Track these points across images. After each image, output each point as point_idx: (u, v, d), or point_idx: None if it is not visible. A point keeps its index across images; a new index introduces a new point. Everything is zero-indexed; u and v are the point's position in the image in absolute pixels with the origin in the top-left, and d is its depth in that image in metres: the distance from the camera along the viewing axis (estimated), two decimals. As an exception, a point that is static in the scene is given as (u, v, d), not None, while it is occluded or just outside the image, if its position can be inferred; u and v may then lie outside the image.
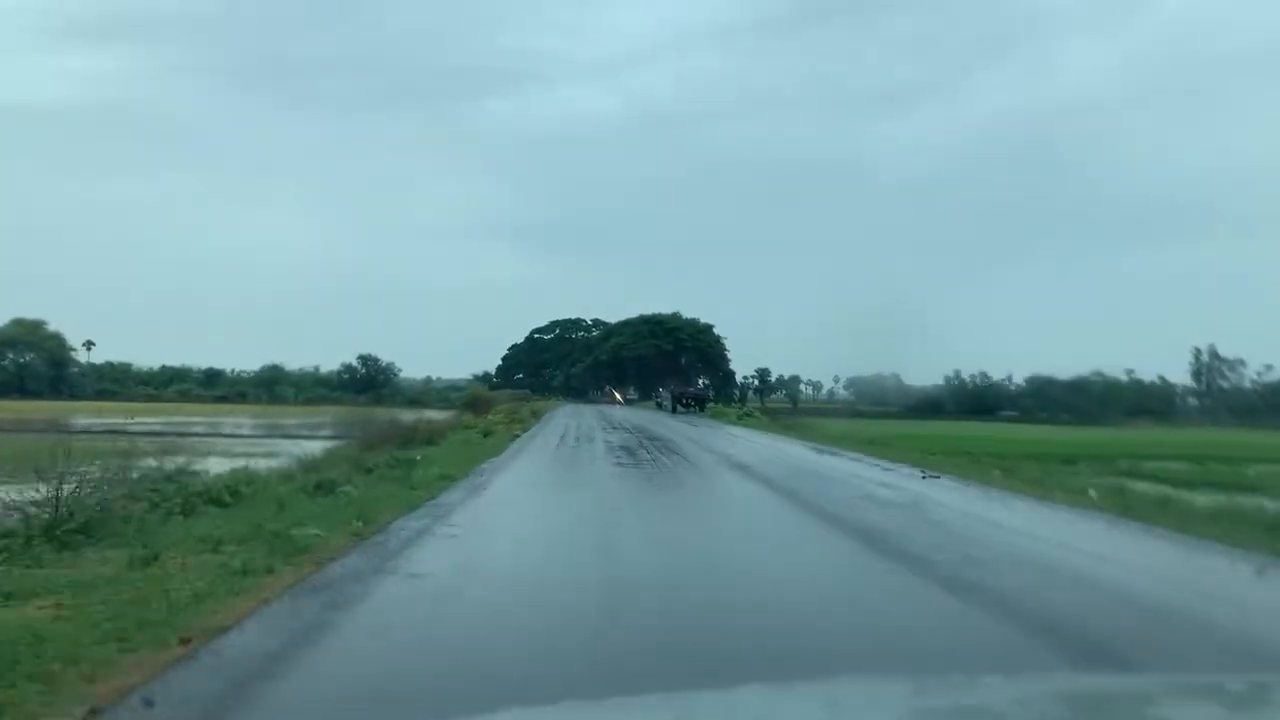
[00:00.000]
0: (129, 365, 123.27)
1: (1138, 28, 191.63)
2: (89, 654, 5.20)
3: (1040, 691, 2.17)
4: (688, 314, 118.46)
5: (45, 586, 6.78)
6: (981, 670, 4.84)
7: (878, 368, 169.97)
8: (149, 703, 4.59)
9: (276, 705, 4.76)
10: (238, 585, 7.03)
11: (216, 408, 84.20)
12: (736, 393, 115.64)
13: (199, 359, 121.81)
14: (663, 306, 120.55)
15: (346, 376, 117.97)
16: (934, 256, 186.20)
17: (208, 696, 4.79)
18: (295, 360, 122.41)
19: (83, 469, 10.32)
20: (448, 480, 15.87)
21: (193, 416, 63.04)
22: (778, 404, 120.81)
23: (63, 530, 8.51)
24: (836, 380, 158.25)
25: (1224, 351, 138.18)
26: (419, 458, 19.23)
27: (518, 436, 31.74)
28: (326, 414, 60.78)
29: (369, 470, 16.68)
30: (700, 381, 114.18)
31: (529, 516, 13.54)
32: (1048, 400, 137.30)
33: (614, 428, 38.68)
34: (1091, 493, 16.09)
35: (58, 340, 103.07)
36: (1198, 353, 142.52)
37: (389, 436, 24.26)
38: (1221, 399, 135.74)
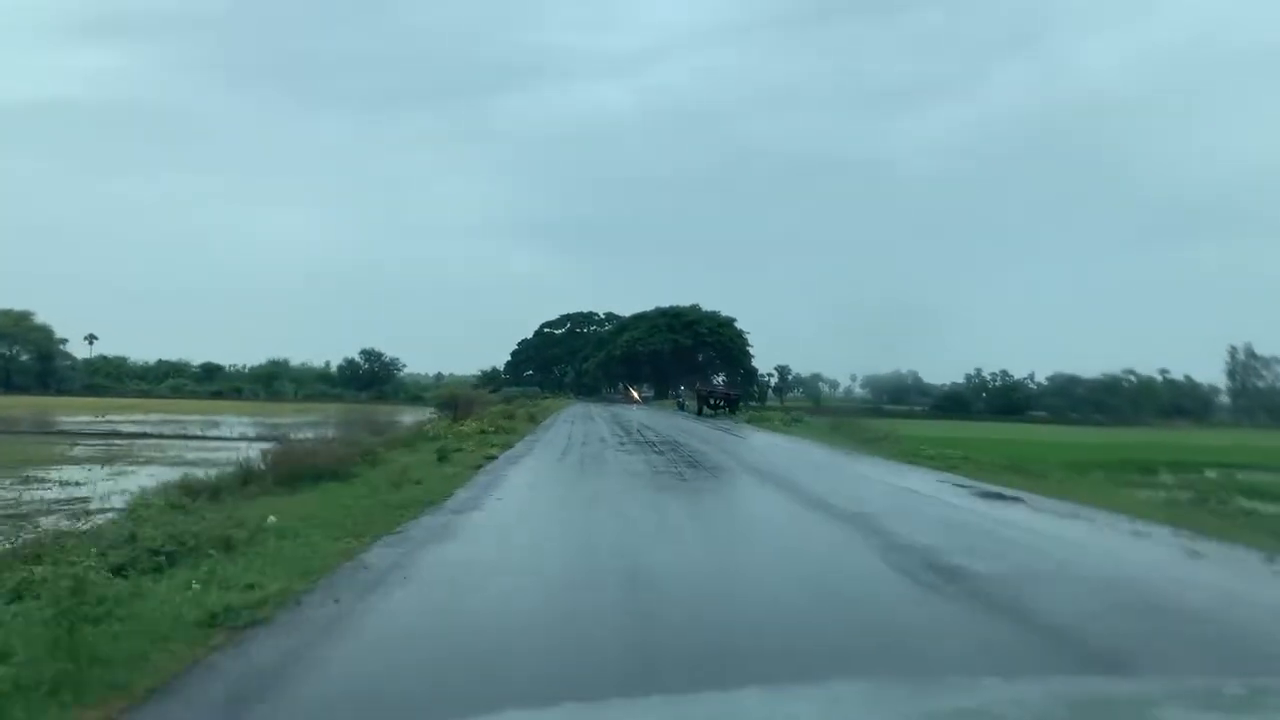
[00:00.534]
0: (124, 359, 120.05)
1: (1167, 21, 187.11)
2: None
3: (1039, 694, 2.13)
4: (704, 309, 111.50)
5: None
6: None
7: (895, 365, 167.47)
8: None
9: None
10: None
11: (208, 404, 79.43)
12: (756, 390, 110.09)
13: (208, 355, 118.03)
14: (678, 302, 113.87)
15: (349, 372, 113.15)
16: (951, 254, 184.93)
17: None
18: (308, 357, 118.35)
19: None
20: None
21: (175, 414, 58.17)
22: (796, 403, 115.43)
23: None
24: (854, 378, 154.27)
25: (1260, 350, 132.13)
26: (267, 520, 9.81)
27: (491, 460, 20.61)
28: (318, 412, 56.08)
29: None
30: (718, 379, 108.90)
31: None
32: (1075, 400, 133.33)
33: (636, 442, 28.86)
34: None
35: (45, 333, 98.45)
36: (1233, 351, 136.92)
37: (291, 458, 15.29)
38: (1257, 399, 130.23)
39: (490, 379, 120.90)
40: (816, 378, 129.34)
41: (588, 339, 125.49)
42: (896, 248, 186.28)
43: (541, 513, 13.43)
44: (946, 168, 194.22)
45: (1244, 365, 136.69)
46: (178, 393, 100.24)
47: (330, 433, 21.87)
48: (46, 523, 11.11)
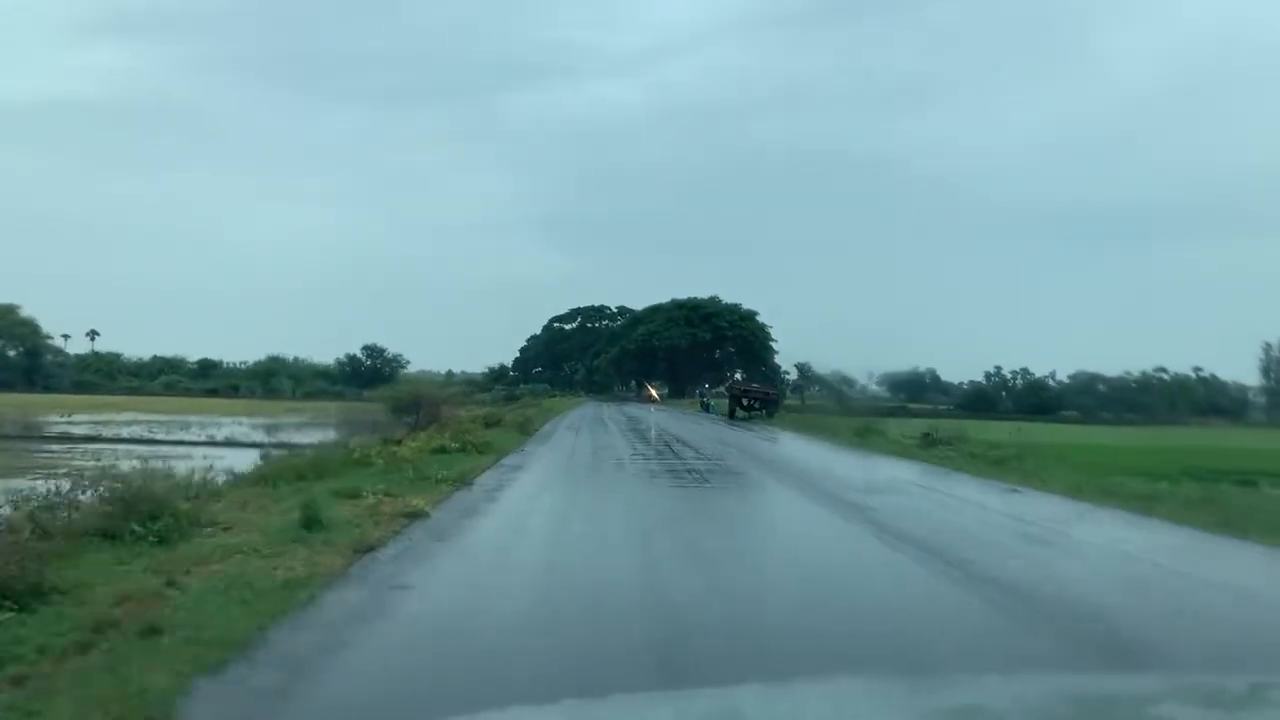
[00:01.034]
0: (119, 356, 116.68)
1: (1188, 18, 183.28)
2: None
3: (1042, 691, 2.13)
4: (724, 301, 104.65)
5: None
6: None
7: (912, 363, 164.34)
8: None
9: None
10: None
11: (199, 402, 75.05)
12: (782, 389, 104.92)
13: (217, 352, 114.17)
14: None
15: (350, 369, 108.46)
16: (964, 252, 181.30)
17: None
18: (315, 354, 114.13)
19: None
20: None
21: (154, 413, 53.62)
22: (817, 401, 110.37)
23: None
24: (870, 375, 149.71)
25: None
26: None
27: (414, 521, 10.96)
28: (310, 411, 51.77)
29: None
30: (733, 376, 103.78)
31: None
32: (1105, 399, 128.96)
33: (670, 463, 20.65)
34: None
35: (30, 327, 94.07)
36: (1268, 348, 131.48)
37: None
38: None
39: (498, 377, 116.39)
40: (840, 376, 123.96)
41: (599, 334, 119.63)
42: (910, 246, 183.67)
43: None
44: (958, 166, 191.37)
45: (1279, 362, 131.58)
46: (171, 390, 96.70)
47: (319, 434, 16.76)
48: None
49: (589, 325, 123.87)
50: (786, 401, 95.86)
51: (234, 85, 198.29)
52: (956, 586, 8.15)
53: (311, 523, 9.44)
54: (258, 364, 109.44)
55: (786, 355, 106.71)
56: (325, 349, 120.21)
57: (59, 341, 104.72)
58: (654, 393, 69.41)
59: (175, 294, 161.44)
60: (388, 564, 8.47)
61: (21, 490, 9.21)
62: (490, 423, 29.98)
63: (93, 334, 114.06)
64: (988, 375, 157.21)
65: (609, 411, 57.60)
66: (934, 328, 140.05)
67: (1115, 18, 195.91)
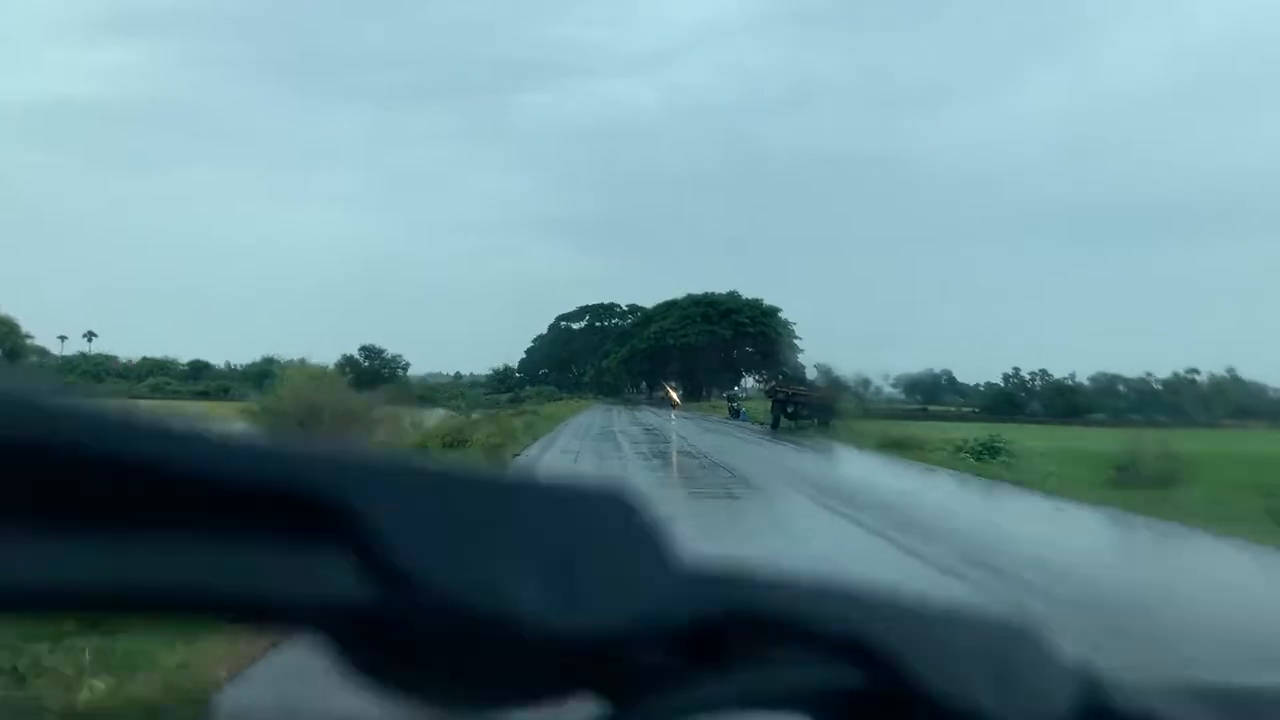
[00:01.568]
0: (109, 357, 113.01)
1: (1203, 14, 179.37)
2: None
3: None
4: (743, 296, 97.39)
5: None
6: None
7: (926, 364, 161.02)
8: None
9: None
10: None
11: (185, 406, 69.90)
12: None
13: (220, 355, 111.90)
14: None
15: (347, 370, 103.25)
16: (976, 252, 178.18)
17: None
18: (316, 356, 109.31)
19: None
20: None
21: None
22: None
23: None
24: (885, 377, 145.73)
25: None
26: None
27: None
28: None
29: None
30: (751, 379, 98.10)
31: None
32: (1132, 401, 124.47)
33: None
34: None
35: (9, 326, 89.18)
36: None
37: None
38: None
39: (503, 379, 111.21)
40: (862, 378, 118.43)
41: (608, 333, 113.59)
42: (919, 245, 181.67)
43: None
44: (972, 167, 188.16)
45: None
46: (158, 392, 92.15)
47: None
48: None
49: (598, 324, 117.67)
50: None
51: (239, 83, 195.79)
52: None
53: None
54: (251, 366, 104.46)
55: (806, 356, 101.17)
56: (331, 351, 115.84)
57: (47, 343, 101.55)
58: (675, 395, 57.16)
59: (180, 296, 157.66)
60: None
61: None
62: (452, 443, 21.42)
63: (90, 335, 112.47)
64: (1006, 377, 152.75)
65: (620, 420, 48.74)
66: (946, 328, 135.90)
67: (1136, 14, 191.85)
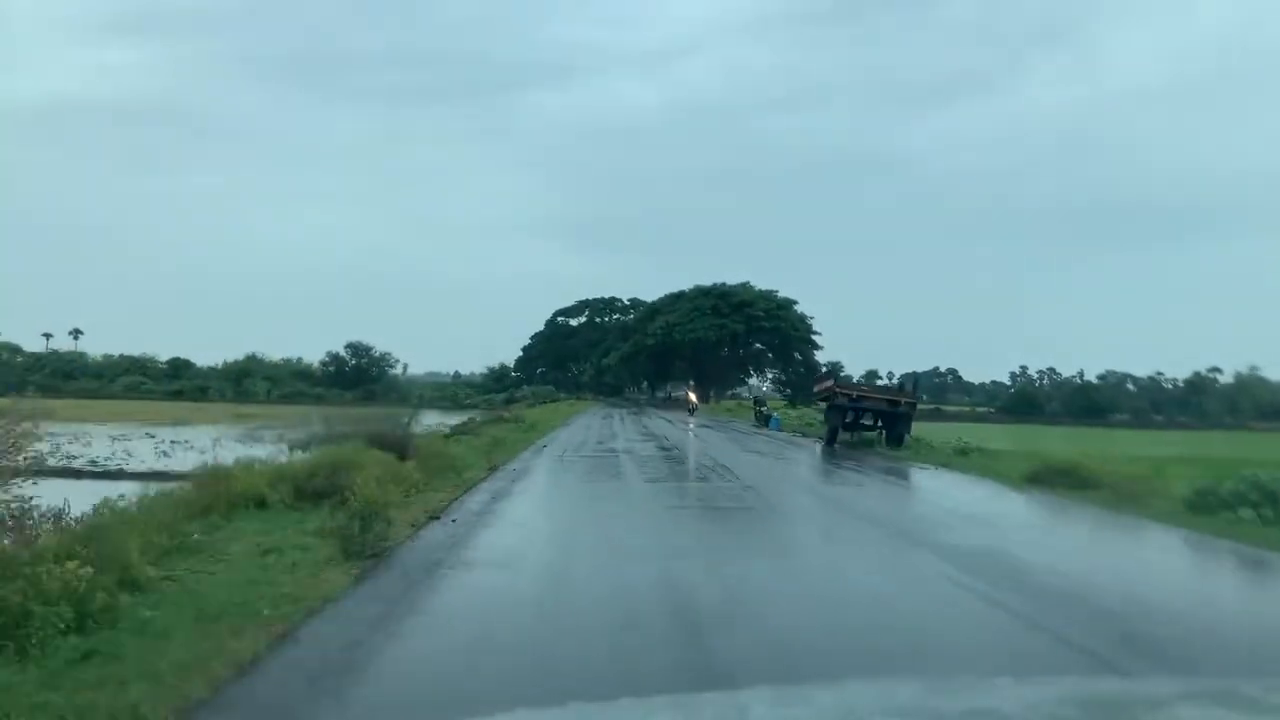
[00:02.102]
0: (83, 355, 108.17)
1: (1213, 8, 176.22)
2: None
3: (1052, 694, 2.10)
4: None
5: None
6: None
7: (932, 363, 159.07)
8: None
9: None
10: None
11: (159, 407, 64.58)
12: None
13: (214, 355, 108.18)
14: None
15: (332, 369, 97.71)
16: (978, 251, 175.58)
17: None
18: (308, 355, 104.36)
19: None
20: None
21: (88, 422, 43.09)
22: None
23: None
24: (890, 376, 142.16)
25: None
26: None
27: None
28: (274, 418, 41.04)
29: None
30: (767, 378, 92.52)
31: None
32: (1155, 401, 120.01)
33: None
34: None
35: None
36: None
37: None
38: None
39: (499, 378, 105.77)
40: (873, 376, 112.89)
41: (609, 329, 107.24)
42: (927, 245, 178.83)
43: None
44: (969, 164, 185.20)
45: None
46: (132, 392, 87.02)
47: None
48: None
49: (598, 320, 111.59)
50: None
51: (238, 83, 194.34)
52: None
53: None
54: (231, 364, 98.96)
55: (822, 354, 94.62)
56: (322, 351, 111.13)
57: (27, 340, 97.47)
58: (694, 396, 47.63)
59: (177, 296, 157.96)
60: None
61: None
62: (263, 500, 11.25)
63: (76, 333, 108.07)
64: (1013, 376, 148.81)
65: (625, 428, 39.24)
66: (946, 327, 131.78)
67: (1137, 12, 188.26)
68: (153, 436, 34.28)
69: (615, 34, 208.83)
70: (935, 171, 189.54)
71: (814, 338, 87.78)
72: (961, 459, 23.37)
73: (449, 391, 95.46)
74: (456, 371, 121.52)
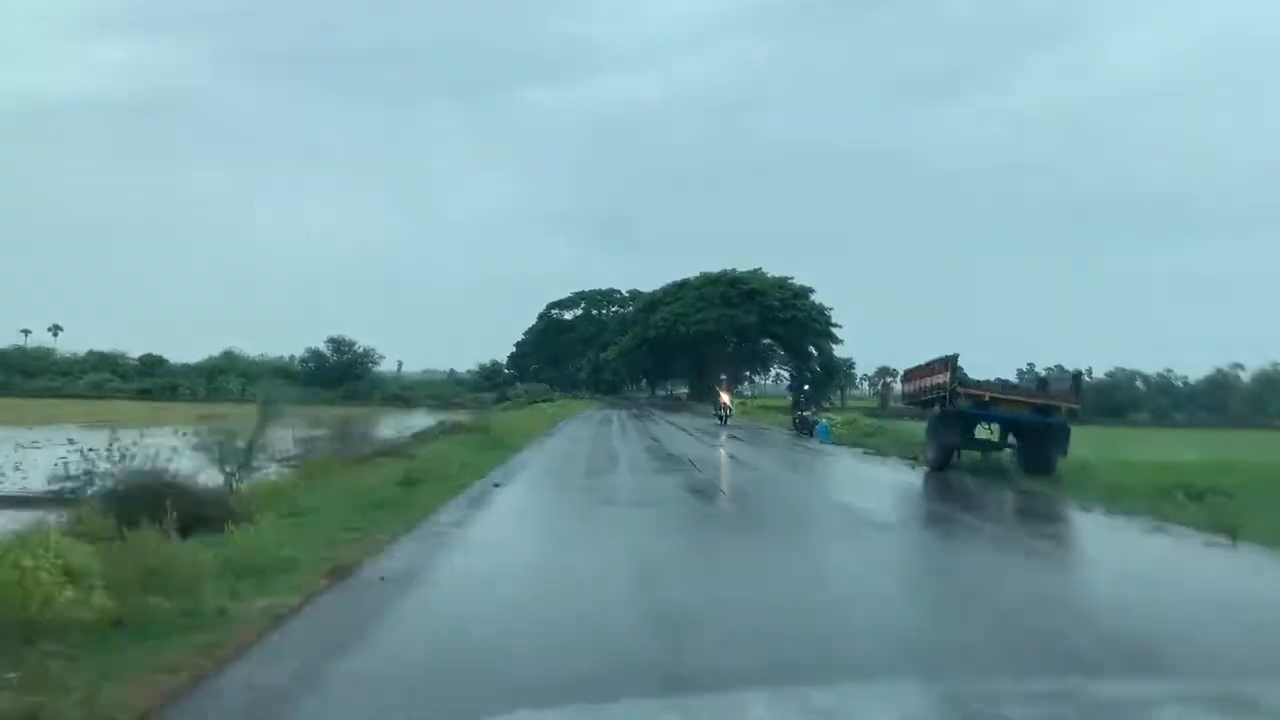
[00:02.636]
0: (50, 350, 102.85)
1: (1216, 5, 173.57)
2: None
3: (1053, 695, 2.08)
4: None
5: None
6: None
7: (932, 359, 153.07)
8: None
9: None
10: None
11: (118, 407, 59.03)
12: (838, 390, 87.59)
13: (208, 351, 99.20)
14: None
15: (312, 365, 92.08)
16: (980, 247, 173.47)
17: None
18: (296, 352, 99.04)
19: None
20: None
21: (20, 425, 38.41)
22: (862, 402, 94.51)
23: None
24: (894, 374, 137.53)
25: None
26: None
27: None
28: (229, 419, 35.26)
29: None
30: (759, 378, 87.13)
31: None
32: (1176, 399, 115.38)
33: None
34: None
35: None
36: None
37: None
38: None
39: (490, 375, 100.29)
40: (885, 372, 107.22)
41: (608, 323, 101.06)
42: (927, 241, 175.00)
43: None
44: (970, 162, 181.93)
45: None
46: (96, 390, 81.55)
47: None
48: None
49: (595, 313, 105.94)
50: (828, 407, 64.26)
51: (238, 81, 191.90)
52: None
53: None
54: (204, 361, 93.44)
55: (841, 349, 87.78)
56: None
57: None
58: (726, 398, 38.29)
59: (166, 293, 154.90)
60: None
61: None
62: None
63: (55, 329, 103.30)
64: (1020, 373, 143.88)
65: (628, 439, 30.33)
66: (947, 324, 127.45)
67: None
68: (73, 443, 28.64)
69: (612, 29, 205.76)
70: (937, 169, 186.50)
71: (833, 330, 79.77)
72: (1196, 506, 12.75)
73: (438, 390, 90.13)
74: (452, 369, 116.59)
